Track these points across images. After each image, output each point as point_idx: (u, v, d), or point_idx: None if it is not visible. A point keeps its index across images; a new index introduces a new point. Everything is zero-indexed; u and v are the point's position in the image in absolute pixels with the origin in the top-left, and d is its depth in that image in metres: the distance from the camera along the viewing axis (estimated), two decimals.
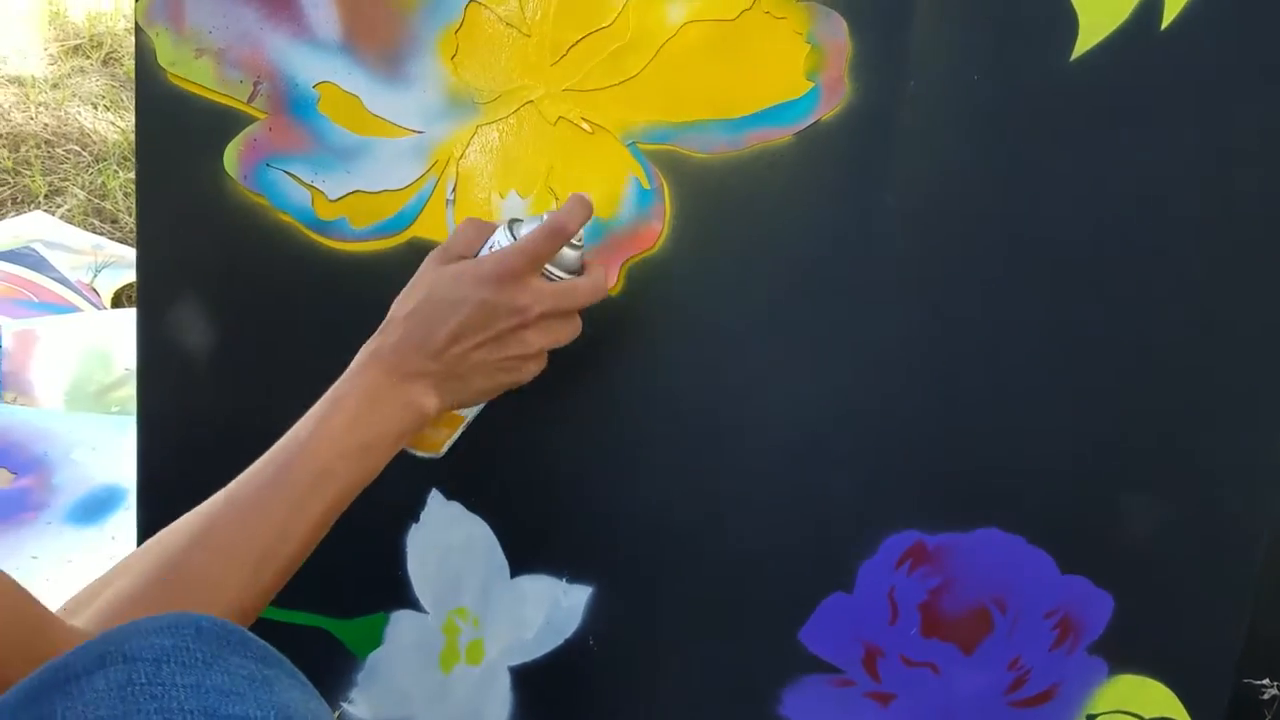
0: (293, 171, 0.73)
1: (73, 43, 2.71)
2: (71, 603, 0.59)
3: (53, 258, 1.73)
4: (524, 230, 0.67)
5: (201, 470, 0.83)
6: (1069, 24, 0.63)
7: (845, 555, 0.74)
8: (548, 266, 0.66)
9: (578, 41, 0.69)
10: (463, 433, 0.72)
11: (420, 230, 0.74)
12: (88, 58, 2.66)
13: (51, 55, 2.63)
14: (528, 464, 0.77)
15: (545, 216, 0.67)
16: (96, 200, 2.03)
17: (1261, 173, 0.65)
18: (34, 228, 1.83)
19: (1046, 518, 0.72)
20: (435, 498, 0.79)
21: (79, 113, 2.34)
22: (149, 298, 0.78)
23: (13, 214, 1.93)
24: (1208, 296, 0.67)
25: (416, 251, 0.74)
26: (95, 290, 1.68)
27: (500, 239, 0.67)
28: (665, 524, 0.76)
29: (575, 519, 0.78)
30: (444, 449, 0.72)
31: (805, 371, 0.73)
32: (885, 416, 0.72)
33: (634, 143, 0.71)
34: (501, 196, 0.73)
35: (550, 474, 0.77)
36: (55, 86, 2.45)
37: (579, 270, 0.68)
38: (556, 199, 0.73)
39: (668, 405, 0.75)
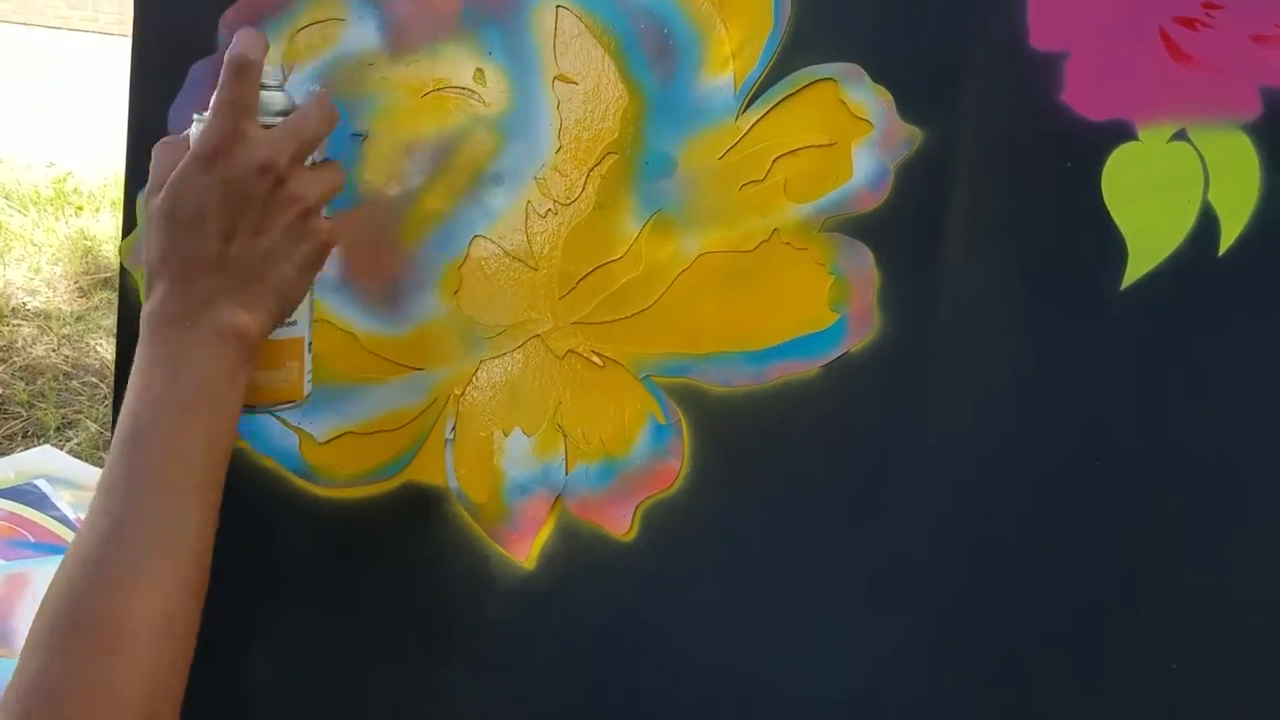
0: (279, 415, 0.68)
1: (102, 275, 2.78)
2: None
3: (55, 495, 1.69)
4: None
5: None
6: (1118, 250, 0.58)
7: None
8: (260, 119, 0.59)
9: (588, 274, 0.66)
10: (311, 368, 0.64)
11: (416, 474, 0.69)
12: (115, 290, 2.73)
13: (81, 288, 2.70)
14: None
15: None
16: (109, 433, 2.01)
17: None
18: (40, 463, 1.81)
19: None
20: None
21: (99, 345, 2.37)
22: None
23: (21, 448, 1.91)
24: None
25: (412, 497, 0.68)
26: None
27: (194, 133, 0.60)
28: None
29: None
30: (305, 389, 0.64)
31: (842, 624, 0.65)
32: (935, 671, 0.64)
33: (648, 375, 0.66)
34: (505, 434, 0.68)
35: None
36: (79, 319, 2.49)
37: (293, 109, 0.62)
38: (565, 435, 0.67)
39: (691, 662, 0.67)
